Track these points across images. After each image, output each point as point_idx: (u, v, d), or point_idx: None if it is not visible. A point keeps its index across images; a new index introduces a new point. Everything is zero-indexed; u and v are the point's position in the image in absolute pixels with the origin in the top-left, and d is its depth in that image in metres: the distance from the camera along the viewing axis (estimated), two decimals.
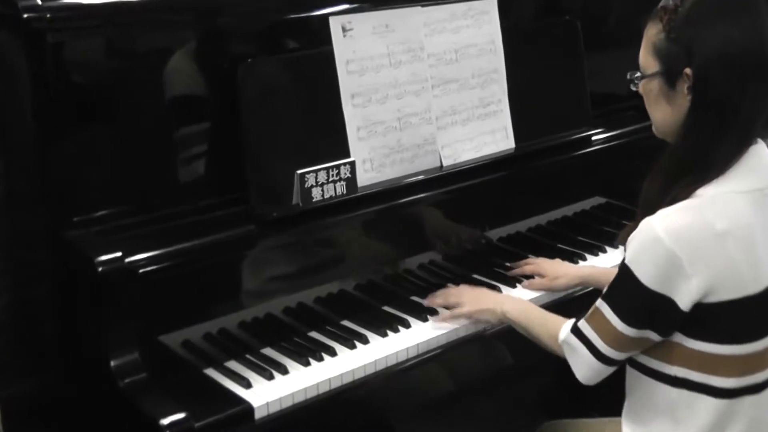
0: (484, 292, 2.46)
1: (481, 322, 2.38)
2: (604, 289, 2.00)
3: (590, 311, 2.02)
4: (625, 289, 1.93)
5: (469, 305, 2.37)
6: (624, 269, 1.93)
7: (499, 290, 2.57)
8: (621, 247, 2.12)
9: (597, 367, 2.01)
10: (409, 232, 2.54)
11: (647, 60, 1.99)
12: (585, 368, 2.02)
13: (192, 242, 2.18)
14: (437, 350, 2.35)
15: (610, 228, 2.89)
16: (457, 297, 2.42)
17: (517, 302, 2.35)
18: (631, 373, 2.06)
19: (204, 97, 2.34)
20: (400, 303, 2.50)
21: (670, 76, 1.95)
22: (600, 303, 1.99)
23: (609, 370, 2.02)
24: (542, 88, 2.82)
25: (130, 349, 2.07)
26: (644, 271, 1.89)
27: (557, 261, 2.65)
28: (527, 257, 2.69)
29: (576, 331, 2.04)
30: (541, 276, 2.58)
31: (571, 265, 2.67)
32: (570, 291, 2.58)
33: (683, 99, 1.94)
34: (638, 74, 2.02)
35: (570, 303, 2.55)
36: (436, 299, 2.45)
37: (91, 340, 2.12)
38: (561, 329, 2.08)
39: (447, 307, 2.43)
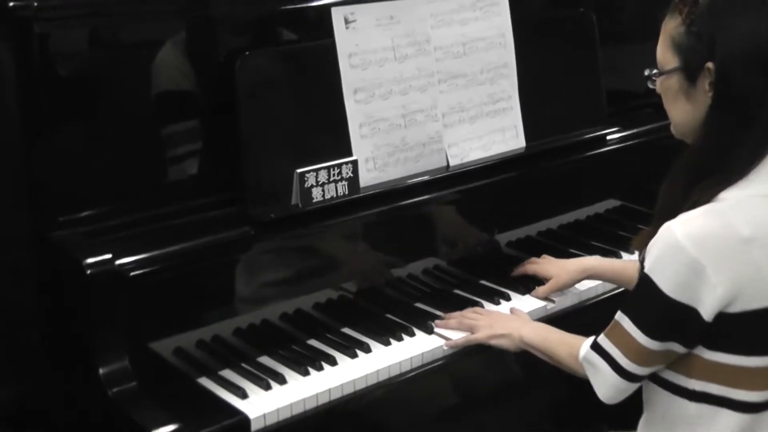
0: (501, 316, 2.44)
1: (498, 349, 2.36)
2: (624, 301, 2.00)
3: (610, 325, 2.00)
4: (646, 300, 1.92)
5: (485, 331, 2.35)
6: (644, 279, 1.92)
7: (508, 297, 2.57)
8: (637, 254, 2.12)
9: (619, 384, 1.99)
10: (414, 236, 2.54)
11: (665, 55, 1.98)
12: (607, 386, 2.01)
13: (185, 244, 2.18)
14: (443, 360, 2.35)
15: (626, 232, 2.89)
16: (472, 321, 2.40)
17: (536, 326, 2.33)
18: (648, 387, 2.05)
19: (198, 91, 2.34)
20: (404, 310, 2.50)
21: (690, 71, 1.94)
22: (620, 316, 1.97)
23: (632, 387, 2.01)
24: (555, 85, 2.82)
25: (119, 356, 2.07)
26: (666, 280, 1.88)
27: (555, 259, 2.64)
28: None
29: (596, 347, 2.02)
30: (543, 278, 2.59)
31: (573, 259, 2.64)
32: (584, 299, 2.59)
33: (704, 96, 1.94)
34: (655, 71, 2.01)
35: (584, 312, 2.57)
36: (450, 322, 2.42)
37: (78, 346, 2.11)
38: (581, 347, 2.07)
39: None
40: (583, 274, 2.56)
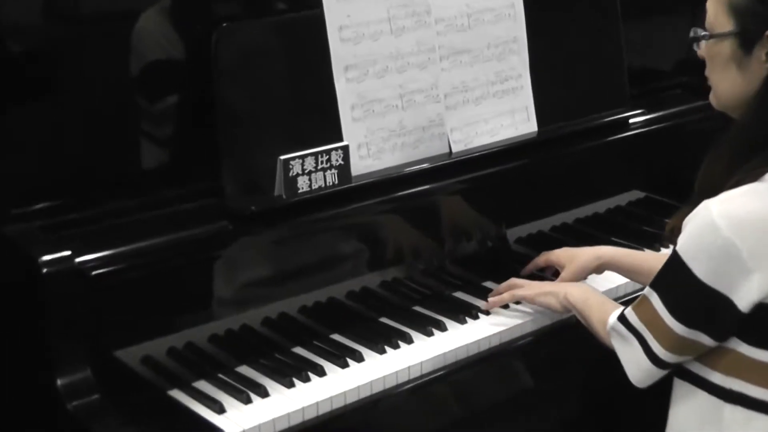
0: (547, 281, 2.56)
1: (543, 307, 2.46)
2: (655, 276, 2.02)
3: (638, 300, 2.05)
4: (676, 281, 1.96)
5: (531, 288, 2.46)
6: (675, 257, 1.95)
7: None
8: (671, 247, 2.13)
9: (649, 368, 2.04)
10: (412, 231, 2.54)
11: (719, 17, 1.98)
12: (637, 366, 2.06)
13: (154, 240, 2.19)
14: (444, 370, 2.36)
15: (651, 228, 2.90)
16: (519, 282, 2.51)
17: (580, 287, 2.41)
18: (677, 381, 2.08)
19: (169, 68, 2.34)
20: (401, 314, 2.51)
21: (746, 38, 1.94)
22: (648, 291, 2.02)
23: (659, 373, 2.05)
24: (571, 62, 2.82)
25: (80, 365, 2.07)
26: (698, 263, 1.91)
27: (567, 248, 2.65)
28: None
29: (624, 320, 2.08)
30: (556, 266, 2.61)
31: (588, 247, 2.64)
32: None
33: (759, 67, 1.94)
34: (705, 32, 2.00)
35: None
36: (498, 288, 2.53)
37: (33, 354, 2.11)
38: (610, 316, 2.13)
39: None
40: (596, 262, 2.57)
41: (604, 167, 2.89)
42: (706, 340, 1.96)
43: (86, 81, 2.23)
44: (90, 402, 2.05)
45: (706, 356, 2.00)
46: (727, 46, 1.97)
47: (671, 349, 2.00)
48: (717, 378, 1.99)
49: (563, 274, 2.57)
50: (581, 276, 2.57)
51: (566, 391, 2.63)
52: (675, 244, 1.98)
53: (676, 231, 2.00)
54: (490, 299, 2.52)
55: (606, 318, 2.15)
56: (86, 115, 2.23)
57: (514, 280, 2.54)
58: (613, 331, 2.11)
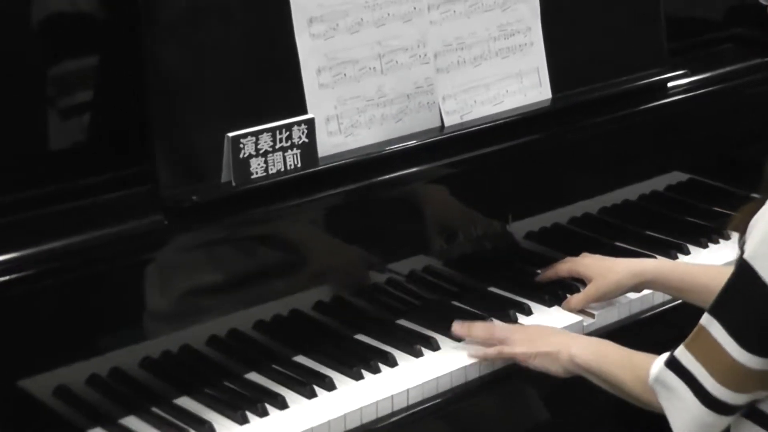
0: (540, 329, 2.50)
1: (539, 371, 2.40)
2: (713, 300, 2.02)
3: (693, 333, 2.05)
4: (745, 298, 1.96)
5: (523, 346, 2.40)
6: (743, 268, 1.96)
7: (528, 310, 2.60)
8: (722, 242, 2.16)
9: (704, 417, 2.03)
10: (395, 225, 2.55)
11: None
12: (687, 419, 2.05)
13: (69, 240, 2.17)
14: (437, 399, 2.37)
15: (696, 218, 2.92)
16: (505, 332, 2.46)
17: (589, 342, 2.38)
18: (739, 425, 2.09)
19: (86, 21, 2.33)
20: (382, 330, 2.52)
21: None
22: (707, 320, 2.01)
23: (722, 422, 2.04)
24: (593, 11, 2.84)
25: None
26: None
27: (598, 256, 2.67)
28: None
29: (673, 363, 2.06)
30: (583, 280, 2.61)
31: (623, 259, 2.66)
32: (636, 311, 2.62)
33: None
34: None
35: (638, 331, 2.58)
36: (474, 329, 2.47)
37: None
38: (652, 365, 2.11)
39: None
40: (635, 279, 2.58)
41: (636, 143, 2.89)
42: None
43: None
44: None
45: None
46: None
47: (736, 386, 1.99)
48: None
49: (589, 290, 2.58)
50: (613, 295, 2.58)
51: (592, 425, 2.66)
52: (741, 249, 1.99)
53: (743, 230, 2.01)
54: (471, 352, 2.44)
55: (644, 372, 2.12)
56: None
57: (496, 327, 2.49)
58: (657, 384, 2.09)
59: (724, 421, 2.04)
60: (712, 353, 2.00)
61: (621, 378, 2.22)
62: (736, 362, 1.97)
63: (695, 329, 2.03)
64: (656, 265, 2.61)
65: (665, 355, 2.09)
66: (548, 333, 2.46)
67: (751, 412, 2.05)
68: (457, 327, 2.48)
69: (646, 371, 2.12)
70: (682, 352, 2.05)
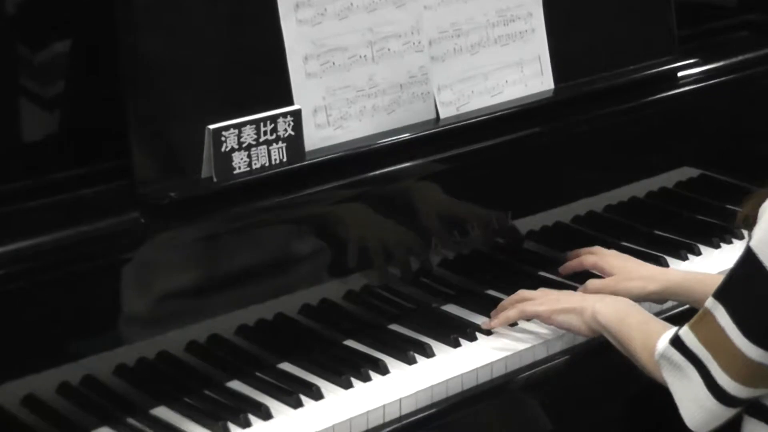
0: (567, 291, 2.60)
1: (564, 329, 2.49)
2: (719, 284, 2.05)
3: (698, 315, 2.09)
4: (750, 287, 2.00)
5: (549, 304, 2.48)
6: (748, 256, 1.99)
7: None
8: (735, 242, 2.16)
9: (710, 405, 2.07)
10: (387, 224, 2.55)
11: None
12: (693, 405, 2.09)
13: (39, 239, 2.16)
14: (432, 410, 2.37)
15: (708, 216, 2.93)
16: (529, 295, 2.54)
17: (614, 300, 2.44)
18: (747, 422, 2.12)
19: (58, 8, 2.32)
20: (373, 335, 2.53)
21: None
22: (711, 303, 2.06)
23: (726, 413, 2.08)
24: None
25: None
26: None
27: (629, 257, 2.69)
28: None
29: (678, 343, 2.11)
30: (605, 274, 2.64)
31: (653, 265, 2.70)
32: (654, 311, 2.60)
33: None
34: None
35: None
36: (504, 308, 2.55)
37: None
38: (659, 340, 2.16)
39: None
40: (659, 285, 2.59)
41: (644, 136, 2.90)
42: None
43: None
44: None
45: None
46: None
47: (742, 380, 2.03)
48: None
49: (609, 281, 2.60)
50: (634, 298, 2.57)
51: None
52: (749, 238, 2.01)
53: (751, 221, 2.03)
54: (493, 317, 2.53)
55: (653, 342, 2.17)
56: None
57: (523, 293, 2.55)
58: (663, 359, 2.13)
59: (729, 412, 2.07)
60: (716, 339, 2.04)
61: (634, 344, 2.26)
62: (740, 351, 2.01)
63: (700, 311, 2.08)
64: (682, 276, 2.62)
65: (671, 331, 2.15)
66: (571, 292, 2.59)
67: (756, 409, 2.09)
68: (487, 324, 2.54)
69: (655, 341, 2.17)
70: (686, 333, 2.09)
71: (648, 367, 2.20)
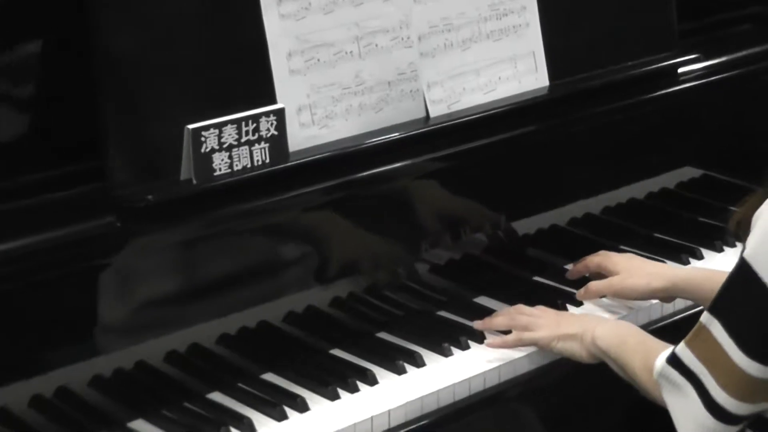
0: (567, 314, 2.62)
1: (563, 356, 2.47)
2: (713, 298, 2.05)
3: (693, 331, 2.09)
4: (745, 300, 2.00)
5: (547, 330, 2.47)
6: (742, 267, 1.99)
7: None
8: (739, 245, 2.15)
9: (708, 423, 2.07)
10: (374, 227, 2.55)
11: None
12: (690, 422, 2.09)
13: (9, 244, 2.15)
14: (422, 421, 2.37)
15: (710, 218, 2.94)
16: (529, 318, 2.52)
17: (615, 325, 2.46)
18: None
19: (28, 5, 2.30)
20: (361, 343, 2.53)
21: None
22: (706, 318, 2.05)
23: (724, 430, 2.07)
24: None
25: None
26: None
27: (634, 255, 2.71)
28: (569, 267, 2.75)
29: (674, 360, 2.11)
30: (609, 273, 2.65)
31: (658, 262, 2.71)
32: (655, 317, 2.65)
33: None
34: None
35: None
36: (494, 319, 2.55)
37: None
38: (657, 358, 2.16)
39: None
40: (666, 284, 2.61)
41: (643, 135, 2.91)
42: None
43: None
44: None
45: None
46: None
47: (741, 396, 2.03)
48: None
49: (613, 280, 2.62)
50: (639, 296, 2.62)
51: None
52: (743, 246, 2.00)
53: (744, 226, 2.03)
54: (486, 332, 2.54)
55: (652, 362, 2.17)
56: None
57: (519, 308, 2.56)
58: (662, 378, 2.14)
59: (728, 430, 2.07)
60: (712, 354, 2.04)
61: (634, 365, 2.27)
62: (737, 367, 2.01)
63: (695, 327, 2.08)
64: (689, 272, 2.64)
65: (668, 350, 2.15)
66: (570, 314, 2.60)
67: (759, 422, 2.08)
68: (478, 324, 2.55)
69: (653, 361, 2.17)
70: (682, 350, 2.10)
71: (649, 388, 2.21)
